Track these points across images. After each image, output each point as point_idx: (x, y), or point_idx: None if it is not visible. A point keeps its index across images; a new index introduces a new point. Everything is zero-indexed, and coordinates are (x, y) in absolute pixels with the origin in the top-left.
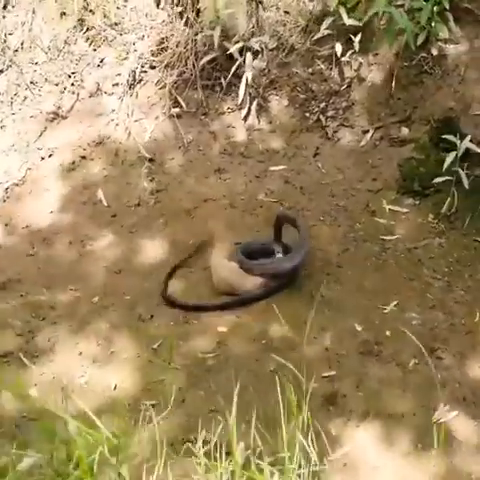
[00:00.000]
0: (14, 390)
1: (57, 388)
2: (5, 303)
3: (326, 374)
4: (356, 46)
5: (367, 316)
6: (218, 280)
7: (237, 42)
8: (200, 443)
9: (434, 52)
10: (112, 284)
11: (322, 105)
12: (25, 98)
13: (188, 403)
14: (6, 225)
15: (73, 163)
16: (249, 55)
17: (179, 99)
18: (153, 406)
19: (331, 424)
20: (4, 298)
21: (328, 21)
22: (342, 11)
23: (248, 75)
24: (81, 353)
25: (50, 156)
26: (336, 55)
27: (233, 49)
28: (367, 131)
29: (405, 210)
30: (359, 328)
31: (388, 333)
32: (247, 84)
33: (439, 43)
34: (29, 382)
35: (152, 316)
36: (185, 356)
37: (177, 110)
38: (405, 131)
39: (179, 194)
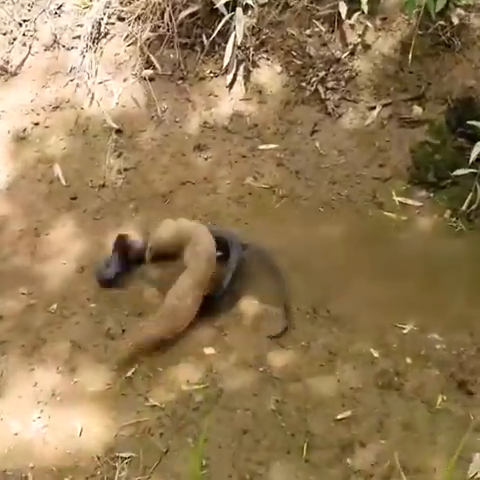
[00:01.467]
0: None
1: (7, 434)
2: None
3: (340, 416)
4: (364, 7)
5: (383, 338)
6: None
7: None
8: None
9: (454, 20)
10: (73, 287)
11: (321, 74)
12: None
13: (172, 456)
14: None
15: (24, 131)
16: (240, 10)
17: (152, 59)
18: (127, 461)
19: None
20: None
21: None
22: None
23: (238, 34)
24: (36, 384)
25: None
26: (339, 16)
27: (220, 3)
28: (373, 108)
29: (418, 204)
30: (375, 354)
31: (409, 360)
32: (235, 45)
33: (460, 10)
34: None
35: (124, 330)
36: (167, 388)
37: (150, 72)
38: (418, 110)
39: (152, 174)
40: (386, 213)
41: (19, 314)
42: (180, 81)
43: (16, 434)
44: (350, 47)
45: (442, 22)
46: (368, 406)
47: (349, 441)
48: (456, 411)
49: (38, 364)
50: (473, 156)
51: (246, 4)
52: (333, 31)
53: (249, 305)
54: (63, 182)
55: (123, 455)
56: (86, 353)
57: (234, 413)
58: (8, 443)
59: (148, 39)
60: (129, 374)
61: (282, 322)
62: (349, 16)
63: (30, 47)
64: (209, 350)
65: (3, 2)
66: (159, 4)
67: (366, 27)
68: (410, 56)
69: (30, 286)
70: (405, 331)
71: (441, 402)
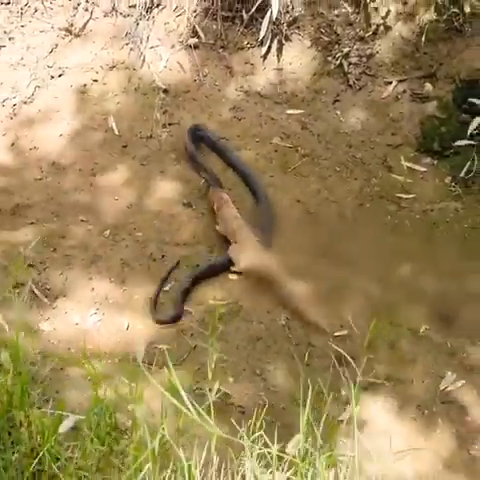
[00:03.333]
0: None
1: (69, 324)
2: (15, 230)
3: (337, 333)
4: None
5: (381, 278)
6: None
7: None
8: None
9: (466, 9)
10: (123, 218)
11: (345, 50)
12: (36, 10)
13: (199, 350)
14: (12, 145)
15: (85, 86)
16: None
17: (197, 29)
18: (164, 350)
19: (340, 385)
20: (14, 224)
21: None
22: None
23: (274, 10)
24: (93, 289)
25: (60, 76)
26: None
27: None
28: (390, 83)
29: (423, 169)
30: (374, 289)
31: (402, 297)
32: (270, 20)
33: (473, 0)
34: (41, 316)
35: (163, 256)
36: (197, 301)
37: (195, 40)
38: (429, 87)
39: None
40: (394, 175)
41: (79, 236)
42: (221, 50)
43: (77, 324)
44: (373, 27)
45: (456, 10)
46: (362, 329)
47: (342, 354)
48: (436, 338)
49: (95, 274)
50: (471, 128)
51: None
52: (358, 12)
53: None
54: (116, 132)
55: (161, 346)
56: (133, 270)
57: (250, 324)
58: (70, 331)
59: (195, 11)
60: (167, 288)
61: None
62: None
63: (92, 13)
64: (233, 276)
65: None
66: None
67: (388, 10)
68: (423, 38)
69: (87, 215)
70: (401, 274)
71: (424, 330)
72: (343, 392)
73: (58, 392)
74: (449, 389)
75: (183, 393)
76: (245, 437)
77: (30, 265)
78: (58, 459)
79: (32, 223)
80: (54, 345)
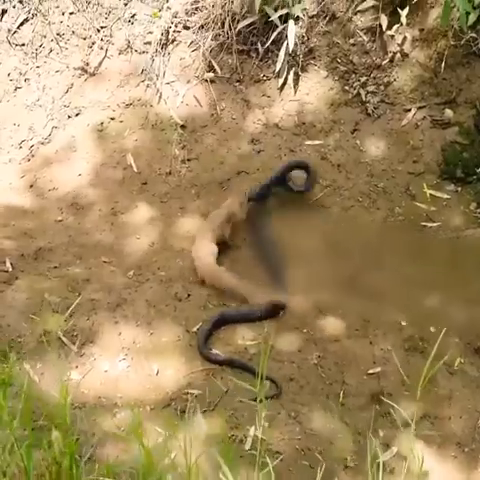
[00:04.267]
0: (56, 374)
1: (99, 371)
2: (39, 275)
3: (371, 371)
4: (403, 20)
5: (410, 309)
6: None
7: (277, 8)
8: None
9: None
10: (146, 258)
11: (363, 79)
12: (51, 50)
13: (231, 395)
14: (31, 186)
15: (102, 124)
16: (292, 23)
17: (213, 63)
18: (196, 396)
19: (377, 424)
20: (37, 269)
21: None
22: None
23: (290, 43)
24: (120, 333)
25: (77, 115)
26: (380, 27)
27: (274, 16)
28: (409, 110)
29: (446, 196)
30: (403, 322)
31: (432, 329)
32: (286, 52)
33: None
34: (70, 364)
35: (189, 295)
36: (225, 342)
37: (211, 75)
38: (449, 113)
39: (211, 164)
40: (418, 204)
41: (103, 278)
42: (237, 83)
43: (106, 371)
44: (390, 55)
45: (474, 34)
46: (395, 365)
47: (378, 391)
48: (471, 372)
49: (121, 318)
50: None
51: (297, 16)
52: (374, 41)
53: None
54: (135, 169)
55: (192, 391)
56: (159, 311)
57: (282, 364)
58: (100, 378)
59: (210, 46)
60: (194, 330)
61: None
62: (389, 27)
63: (106, 51)
64: None
65: (84, 10)
66: (220, 15)
67: (405, 37)
68: (443, 64)
69: (110, 256)
70: (429, 305)
71: (459, 364)
72: (381, 432)
73: (93, 447)
74: None
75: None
76: None
77: (56, 311)
78: None
79: (55, 267)
80: (85, 395)
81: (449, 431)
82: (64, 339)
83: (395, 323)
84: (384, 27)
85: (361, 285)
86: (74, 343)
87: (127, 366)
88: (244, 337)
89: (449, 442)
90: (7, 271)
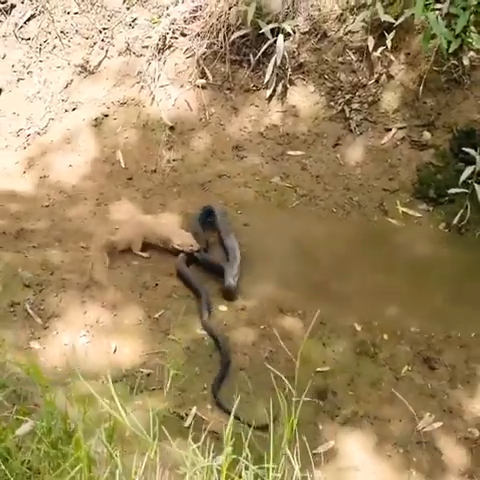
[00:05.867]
0: (17, 342)
1: (59, 344)
2: (16, 252)
3: (319, 369)
4: (388, 43)
5: (367, 316)
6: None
7: (270, 22)
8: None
9: (465, 61)
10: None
11: (348, 96)
12: (54, 47)
13: (181, 377)
14: (24, 172)
15: (96, 120)
16: (281, 37)
17: (206, 70)
18: (148, 375)
19: (318, 419)
20: (16, 247)
21: (364, 14)
22: (379, 6)
23: (278, 57)
24: (86, 312)
25: (74, 109)
26: (367, 49)
27: (266, 29)
28: (390, 130)
29: (418, 215)
30: (358, 328)
31: (386, 336)
32: (275, 65)
33: (472, 53)
34: (32, 334)
35: (157, 285)
36: (185, 330)
37: (203, 81)
38: (427, 136)
39: (195, 166)
40: (389, 219)
41: (78, 261)
42: (227, 91)
43: (66, 345)
44: (375, 76)
45: (455, 61)
46: (344, 365)
47: (324, 388)
48: (417, 380)
49: (88, 298)
50: (463, 176)
51: (289, 31)
52: (362, 61)
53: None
54: (123, 165)
55: (144, 371)
56: (125, 296)
57: (235, 355)
58: (60, 350)
59: (204, 53)
60: (156, 316)
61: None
62: (375, 49)
63: (107, 51)
64: (223, 308)
65: (88, 12)
66: (216, 25)
67: (391, 60)
68: (421, 88)
69: (88, 242)
70: (387, 314)
71: (406, 371)
72: (321, 426)
73: (37, 405)
74: (426, 430)
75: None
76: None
77: (26, 286)
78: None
79: (34, 247)
80: (42, 363)
81: (387, 432)
82: (30, 311)
83: (350, 328)
84: (370, 48)
85: (326, 290)
86: (40, 317)
87: (87, 342)
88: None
89: (386, 442)
90: None
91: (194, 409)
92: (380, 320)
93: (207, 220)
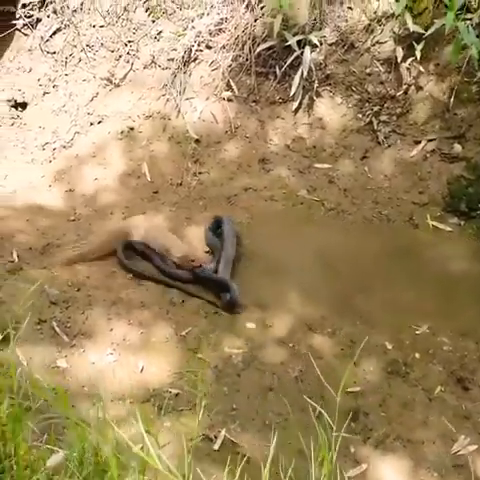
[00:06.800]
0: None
1: (86, 362)
2: (42, 268)
3: (350, 389)
4: (418, 54)
5: (398, 334)
6: None
7: (297, 33)
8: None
9: None
10: None
11: (376, 108)
12: (80, 60)
13: (210, 397)
14: (50, 186)
15: (121, 133)
16: (308, 49)
17: (231, 83)
18: (176, 395)
19: (350, 441)
20: (42, 263)
21: (393, 24)
22: (407, 17)
23: (304, 69)
24: (112, 329)
25: (99, 123)
26: (396, 59)
27: (292, 41)
28: (419, 142)
29: (449, 229)
30: (389, 346)
31: (417, 355)
32: (302, 77)
33: None
34: (59, 353)
35: (183, 301)
36: (212, 348)
37: (228, 94)
38: (458, 148)
39: (221, 179)
40: (419, 233)
41: (103, 277)
42: (253, 103)
43: (93, 363)
44: (404, 87)
45: None
46: (375, 386)
47: (355, 409)
48: (450, 401)
49: (114, 315)
50: None
51: (316, 42)
52: (390, 72)
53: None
54: (148, 178)
55: (172, 390)
56: (152, 313)
57: (263, 374)
58: (87, 369)
59: (229, 66)
60: (183, 333)
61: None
62: (404, 60)
63: (132, 64)
64: (251, 325)
65: (113, 25)
66: (242, 37)
67: (420, 71)
68: (451, 99)
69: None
70: (418, 332)
71: (439, 392)
72: (353, 449)
73: (64, 428)
74: (461, 453)
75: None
76: None
77: (53, 303)
78: None
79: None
80: (68, 381)
81: (421, 455)
82: (57, 329)
83: (381, 346)
84: (399, 59)
85: (354, 306)
86: (67, 334)
87: (114, 360)
88: (231, 346)
89: (419, 466)
90: (13, 261)
91: (223, 431)
92: (411, 338)
93: (218, 231)
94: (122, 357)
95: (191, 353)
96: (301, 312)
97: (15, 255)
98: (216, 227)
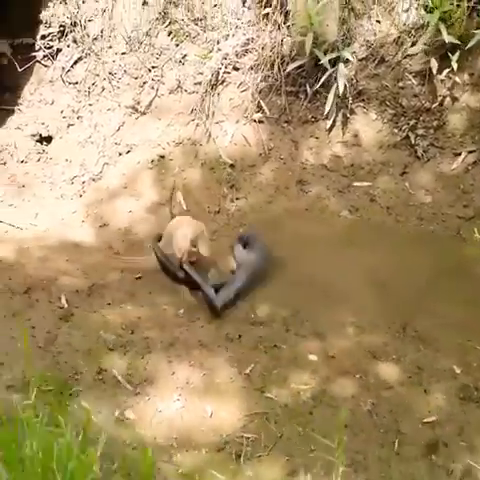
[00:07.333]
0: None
1: (153, 411)
2: (93, 312)
3: (426, 420)
4: (454, 65)
5: (464, 357)
6: None
7: (327, 50)
8: None
9: None
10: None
11: (412, 122)
12: (103, 89)
13: (286, 439)
14: (83, 222)
15: (152, 162)
16: (342, 66)
17: (262, 104)
18: (253, 441)
19: (433, 475)
20: (92, 306)
21: (426, 36)
22: (442, 28)
23: (340, 85)
24: (174, 373)
25: (128, 152)
26: (430, 71)
27: (325, 60)
28: (459, 154)
29: None
30: (457, 370)
31: None
32: (336, 94)
33: None
34: (125, 403)
35: (240, 336)
36: (278, 385)
37: (259, 115)
38: None
39: (259, 203)
40: (468, 248)
41: (154, 315)
42: (285, 124)
43: (160, 411)
44: (439, 99)
45: None
46: (450, 413)
47: (434, 440)
48: None
49: (174, 358)
50: None
51: (349, 58)
52: (424, 84)
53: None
54: (184, 207)
55: (247, 435)
56: (211, 352)
57: (335, 410)
58: (156, 418)
59: (259, 87)
60: (247, 371)
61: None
62: (440, 72)
63: (157, 90)
64: (313, 357)
65: (136, 51)
66: (270, 57)
67: (455, 82)
68: None
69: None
70: None
71: None
72: None
73: None
74: None
75: None
76: None
77: (110, 349)
78: None
79: (108, 304)
80: (140, 435)
81: None
82: (119, 378)
83: (449, 371)
84: (434, 71)
85: (412, 329)
86: (129, 382)
87: (181, 407)
88: (297, 381)
89: None
90: (63, 307)
91: (309, 477)
92: (478, 359)
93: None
94: (188, 402)
95: (258, 392)
96: (361, 339)
97: (64, 300)
98: (244, 242)
